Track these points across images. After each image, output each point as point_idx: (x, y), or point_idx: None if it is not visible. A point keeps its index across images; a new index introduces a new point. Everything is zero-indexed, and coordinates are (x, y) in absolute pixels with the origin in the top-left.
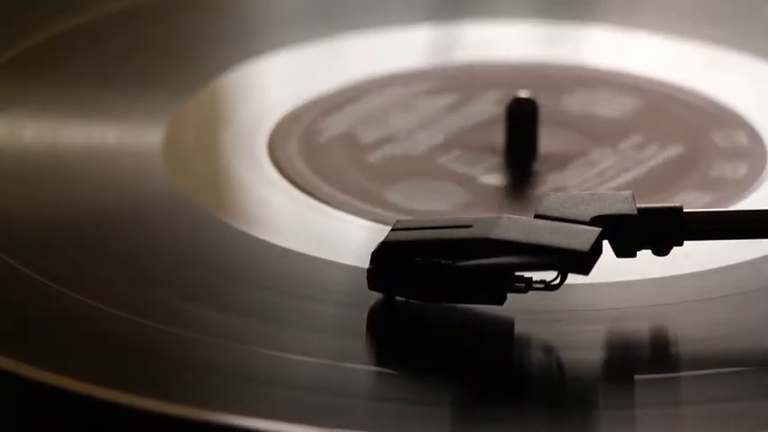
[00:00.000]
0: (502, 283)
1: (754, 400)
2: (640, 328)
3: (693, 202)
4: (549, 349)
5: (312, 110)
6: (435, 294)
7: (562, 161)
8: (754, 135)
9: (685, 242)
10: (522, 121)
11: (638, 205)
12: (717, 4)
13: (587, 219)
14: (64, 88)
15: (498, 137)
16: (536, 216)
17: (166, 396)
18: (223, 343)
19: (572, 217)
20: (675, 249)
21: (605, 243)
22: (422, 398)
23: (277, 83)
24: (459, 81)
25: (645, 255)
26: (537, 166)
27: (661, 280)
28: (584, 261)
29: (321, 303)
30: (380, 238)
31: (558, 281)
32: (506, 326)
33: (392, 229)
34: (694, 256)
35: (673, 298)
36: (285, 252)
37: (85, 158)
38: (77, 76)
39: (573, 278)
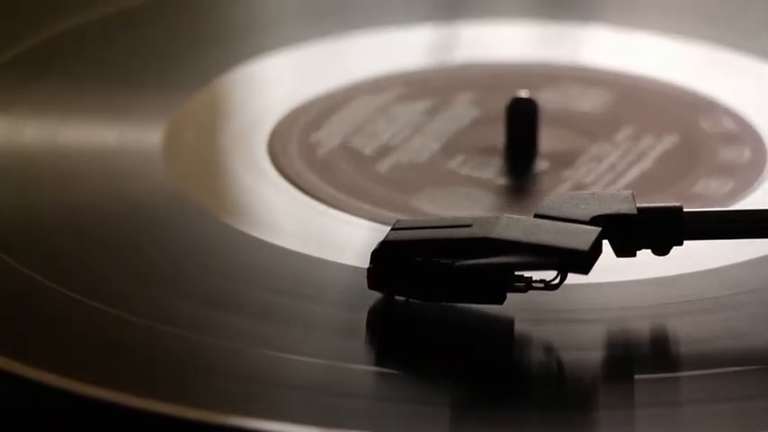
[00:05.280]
0: (502, 283)
1: (755, 400)
2: (640, 328)
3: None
4: (549, 349)
5: (312, 110)
6: (435, 294)
7: (566, 159)
8: (755, 140)
9: (685, 242)
10: (522, 120)
11: (638, 205)
12: (717, 4)
13: (587, 218)
14: (64, 88)
15: (499, 136)
16: (536, 216)
17: (166, 396)
18: (223, 343)
19: (572, 217)
20: (675, 249)
21: (605, 243)
22: (422, 398)
23: (277, 83)
24: (461, 81)
25: (645, 255)
26: (540, 165)
27: (661, 280)
28: (584, 261)
29: (321, 303)
30: (380, 238)
31: (557, 280)
32: (506, 326)
33: (392, 229)
34: (694, 255)
35: (673, 298)
36: (285, 252)
37: (85, 158)
38: (77, 76)
39: (573, 278)
